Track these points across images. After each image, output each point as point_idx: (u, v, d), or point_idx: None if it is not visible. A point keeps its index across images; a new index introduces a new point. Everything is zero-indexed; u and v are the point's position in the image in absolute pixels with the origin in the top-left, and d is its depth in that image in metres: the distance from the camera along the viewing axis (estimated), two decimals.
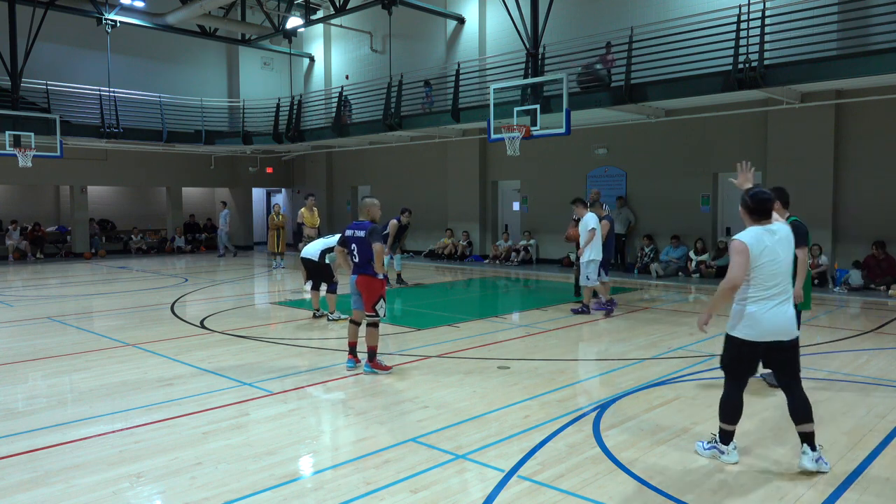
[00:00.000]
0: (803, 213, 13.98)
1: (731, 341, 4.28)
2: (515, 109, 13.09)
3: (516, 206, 19.36)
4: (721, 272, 14.45)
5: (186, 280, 15.28)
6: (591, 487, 4.00)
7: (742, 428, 5.00)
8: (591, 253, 9.90)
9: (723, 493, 3.92)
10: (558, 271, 16.16)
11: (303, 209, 15.45)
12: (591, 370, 6.84)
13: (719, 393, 5.90)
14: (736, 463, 4.36)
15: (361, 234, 6.61)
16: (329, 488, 4.02)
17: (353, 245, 6.64)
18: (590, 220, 9.98)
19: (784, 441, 4.75)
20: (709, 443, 4.52)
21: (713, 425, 5.06)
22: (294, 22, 20.05)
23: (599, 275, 10.14)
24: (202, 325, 9.44)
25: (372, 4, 17.49)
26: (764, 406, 5.56)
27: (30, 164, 16.89)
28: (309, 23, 19.78)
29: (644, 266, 15.36)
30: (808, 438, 4.24)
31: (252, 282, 15.44)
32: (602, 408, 5.54)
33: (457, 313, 10.44)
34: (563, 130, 12.33)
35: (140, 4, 19.20)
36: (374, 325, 6.71)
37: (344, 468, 4.33)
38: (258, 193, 27.55)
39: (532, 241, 18.01)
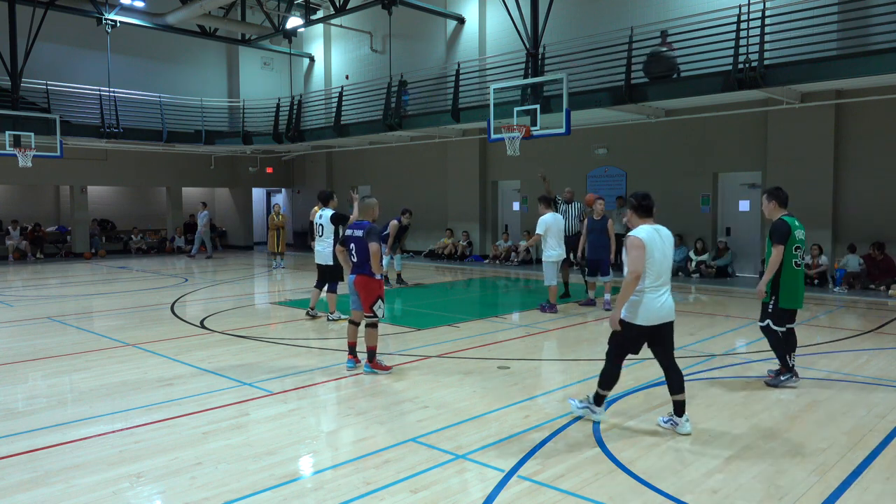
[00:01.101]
0: (803, 213, 14.04)
1: (628, 327, 4.91)
2: (515, 109, 13.08)
3: (516, 206, 19.36)
4: (721, 272, 14.48)
5: (186, 280, 15.29)
6: (591, 487, 4.00)
7: (741, 428, 5.02)
8: (547, 253, 10.15)
9: (723, 493, 3.92)
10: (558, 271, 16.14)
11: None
12: (592, 370, 6.84)
13: (719, 393, 5.94)
14: (601, 420, 5.15)
15: (360, 233, 6.61)
16: (329, 488, 4.02)
17: (352, 244, 6.65)
18: (539, 222, 10.13)
19: (784, 441, 4.75)
20: (582, 402, 5.28)
21: (713, 425, 5.08)
22: (294, 22, 20.05)
23: (597, 274, 10.25)
24: (202, 325, 9.44)
25: (372, 4, 17.49)
26: (764, 406, 5.56)
27: (30, 164, 16.88)
28: (309, 23, 19.78)
29: None
30: (681, 407, 4.97)
31: (252, 282, 15.44)
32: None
33: (457, 313, 10.43)
34: (563, 130, 12.33)
35: (140, 4, 19.20)
36: (373, 325, 6.71)
37: (344, 468, 4.33)
38: (258, 193, 27.55)
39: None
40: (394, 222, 12.85)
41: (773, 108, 13.30)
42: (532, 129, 12.65)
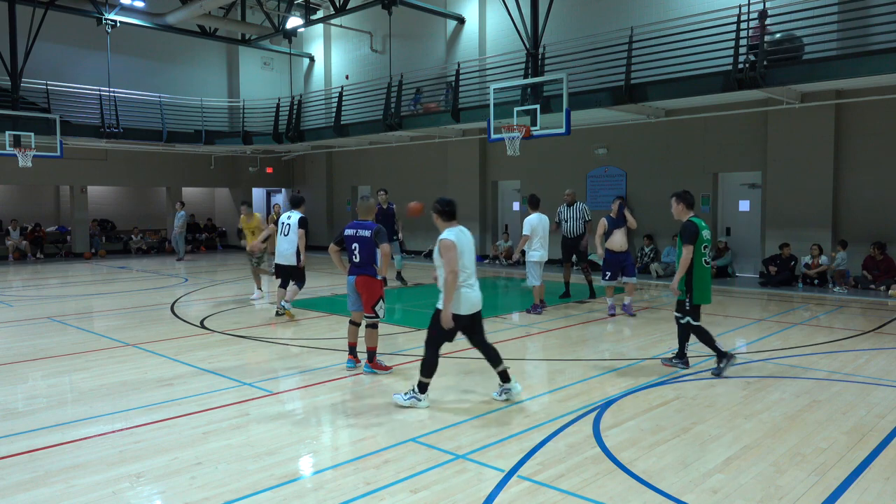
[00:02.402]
0: (803, 212, 14.00)
1: (456, 318, 5.42)
2: (515, 109, 13.09)
3: (516, 206, 19.36)
4: (720, 272, 14.47)
5: (186, 280, 15.29)
6: (591, 487, 4.00)
7: (741, 428, 5.01)
8: (531, 254, 10.02)
9: (723, 493, 3.92)
10: (558, 271, 16.14)
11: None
12: (591, 370, 6.84)
13: (719, 393, 5.94)
14: (428, 407, 5.51)
15: (366, 234, 6.58)
16: (329, 488, 4.02)
17: (355, 245, 6.62)
18: (525, 222, 10.06)
19: (784, 441, 4.75)
20: (407, 394, 5.58)
21: (713, 425, 5.07)
22: (294, 22, 20.05)
23: (606, 277, 10.05)
24: (202, 325, 9.44)
25: (372, 4, 17.49)
26: (764, 406, 5.56)
27: (30, 164, 16.89)
28: (309, 23, 19.77)
29: (644, 266, 15.36)
30: (506, 375, 5.70)
31: (252, 282, 15.42)
32: (602, 408, 5.54)
33: None
34: (563, 130, 12.33)
35: (140, 4, 19.20)
36: (374, 325, 6.71)
37: (344, 468, 4.33)
38: (258, 193, 27.54)
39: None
40: (393, 207, 12.81)
41: (773, 108, 13.30)
42: (532, 129, 12.65)
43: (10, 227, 20.65)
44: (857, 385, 6.20)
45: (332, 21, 21.01)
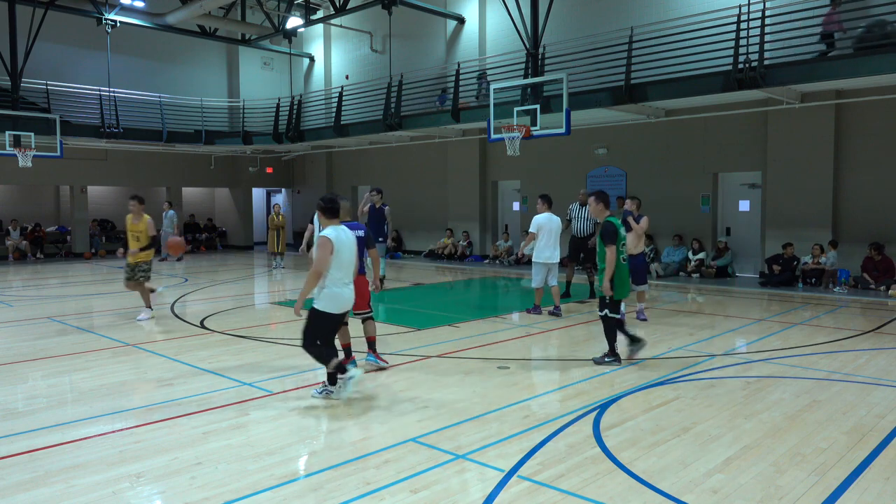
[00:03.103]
0: (803, 212, 14.00)
1: (329, 317, 5.64)
2: (515, 109, 13.08)
3: (516, 206, 19.36)
4: (721, 272, 14.47)
5: (186, 280, 15.29)
6: (591, 487, 4.00)
7: (741, 428, 5.01)
8: (537, 254, 9.84)
9: (723, 493, 3.92)
10: (558, 271, 16.13)
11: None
12: (591, 370, 6.84)
13: (719, 393, 5.93)
14: (344, 396, 5.73)
15: (361, 233, 6.60)
16: (329, 488, 4.02)
17: None
18: (533, 221, 9.87)
19: (784, 441, 4.75)
20: (320, 391, 5.78)
21: (713, 425, 5.07)
22: (294, 22, 20.05)
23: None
24: (202, 325, 9.44)
25: (372, 4, 17.49)
26: (764, 406, 5.56)
27: (30, 164, 16.88)
28: (309, 23, 19.78)
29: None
30: (333, 378, 5.81)
31: (252, 282, 15.44)
32: (602, 408, 5.54)
33: (457, 313, 10.43)
34: (563, 130, 12.33)
35: (140, 4, 19.20)
36: (371, 318, 6.88)
37: (344, 468, 4.33)
38: (258, 193, 27.54)
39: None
40: (387, 209, 12.25)
41: (773, 108, 13.30)
42: (532, 129, 12.65)
43: (10, 227, 20.65)
44: (857, 385, 6.20)
45: (332, 21, 21.01)
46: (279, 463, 4.42)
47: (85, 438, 4.90)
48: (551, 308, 10.08)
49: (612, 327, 7.00)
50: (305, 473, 4.34)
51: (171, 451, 4.62)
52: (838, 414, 5.35)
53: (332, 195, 5.82)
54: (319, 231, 5.76)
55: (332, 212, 5.69)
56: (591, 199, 7.15)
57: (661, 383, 6.31)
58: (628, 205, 10.11)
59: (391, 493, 3.93)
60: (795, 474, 4.18)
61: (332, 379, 5.77)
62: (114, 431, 5.06)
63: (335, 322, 5.74)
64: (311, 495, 3.94)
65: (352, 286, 5.78)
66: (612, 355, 7.02)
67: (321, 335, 5.73)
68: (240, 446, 4.72)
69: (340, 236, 5.61)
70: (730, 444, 4.68)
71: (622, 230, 6.94)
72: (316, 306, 5.63)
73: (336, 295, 5.62)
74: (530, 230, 9.94)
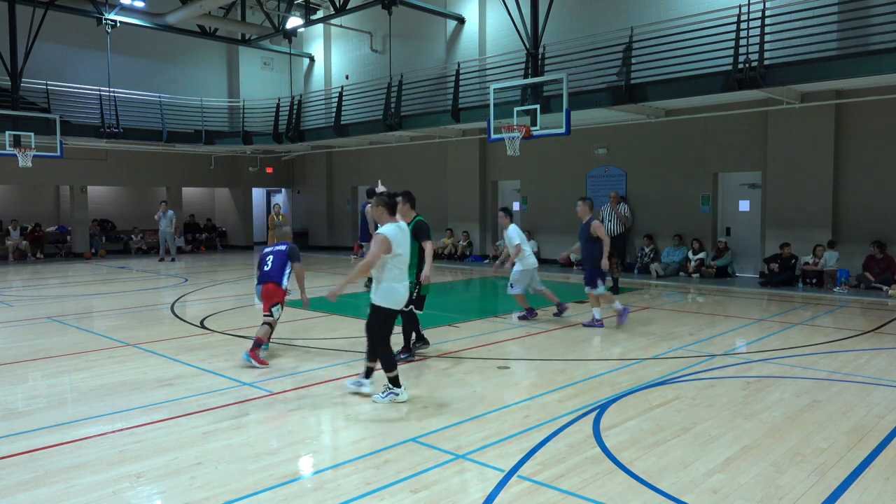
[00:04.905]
0: (803, 212, 14.02)
1: (387, 314, 5.74)
2: (515, 109, 13.08)
3: (516, 206, 19.36)
4: (721, 272, 14.48)
5: (186, 280, 15.29)
6: (591, 487, 4.00)
7: (741, 428, 5.02)
8: (523, 263, 9.45)
9: (723, 492, 3.92)
10: (559, 271, 16.16)
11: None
12: (591, 370, 6.84)
13: (719, 393, 5.94)
14: (407, 400, 5.68)
15: (283, 248, 7.47)
16: (329, 488, 4.02)
17: (270, 257, 7.47)
18: (513, 234, 9.46)
19: (784, 441, 4.75)
20: (384, 393, 5.70)
21: (713, 425, 5.07)
22: (294, 22, 20.05)
23: (598, 285, 9.11)
24: (202, 325, 9.44)
25: (372, 4, 17.49)
26: (764, 406, 5.56)
27: (30, 164, 16.88)
28: (309, 23, 19.78)
29: (644, 266, 15.36)
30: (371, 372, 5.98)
31: (252, 282, 15.40)
32: (602, 408, 5.54)
33: (457, 313, 10.43)
34: (563, 130, 12.33)
35: (140, 4, 19.19)
36: (270, 324, 7.26)
37: (344, 468, 4.33)
38: (258, 193, 27.55)
39: (532, 242, 17.99)
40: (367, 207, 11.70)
41: (773, 108, 13.31)
42: (532, 129, 12.65)
43: (10, 227, 20.64)
44: (857, 385, 6.20)
45: (332, 21, 21.01)
46: (279, 463, 4.42)
47: (85, 438, 4.91)
48: (555, 310, 10.03)
49: (411, 322, 7.27)
50: (305, 473, 4.34)
51: (171, 451, 4.62)
52: (838, 414, 5.35)
53: (391, 193, 6.04)
54: (376, 227, 5.94)
55: (392, 208, 5.81)
56: (399, 200, 6.61)
57: (661, 383, 6.31)
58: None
59: (391, 493, 3.93)
60: (795, 474, 4.18)
61: (395, 381, 5.74)
62: (114, 431, 5.06)
63: (394, 319, 5.84)
64: (311, 495, 3.94)
65: (406, 282, 5.84)
66: (408, 351, 7.27)
67: (387, 334, 5.78)
68: (240, 446, 4.72)
69: (398, 234, 5.72)
70: (730, 444, 4.68)
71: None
72: (376, 302, 5.72)
73: (393, 290, 5.71)
74: (515, 243, 9.40)
